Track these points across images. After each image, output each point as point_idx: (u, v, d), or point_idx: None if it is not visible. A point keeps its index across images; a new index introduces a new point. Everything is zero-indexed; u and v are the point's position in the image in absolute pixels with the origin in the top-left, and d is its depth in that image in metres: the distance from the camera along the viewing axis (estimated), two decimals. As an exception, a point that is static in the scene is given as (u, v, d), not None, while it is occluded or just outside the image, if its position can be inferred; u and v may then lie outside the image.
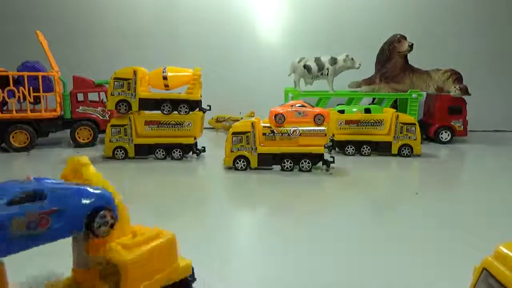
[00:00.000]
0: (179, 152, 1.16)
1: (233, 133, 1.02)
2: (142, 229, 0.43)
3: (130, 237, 0.42)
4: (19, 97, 1.29)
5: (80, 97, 1.40)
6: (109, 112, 1.41)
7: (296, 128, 1.00)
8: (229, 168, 1.03)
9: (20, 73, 1.30)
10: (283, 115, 1.01)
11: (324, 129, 1.00)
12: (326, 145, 1.04)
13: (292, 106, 1.04)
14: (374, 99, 1.64)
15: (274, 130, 1.01)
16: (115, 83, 1.12)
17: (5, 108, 1.35)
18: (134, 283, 0.39)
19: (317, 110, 1.04)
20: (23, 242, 0.34)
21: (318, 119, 1.02)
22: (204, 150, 1.19)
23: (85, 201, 0.37)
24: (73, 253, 0.41)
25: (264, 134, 1.02)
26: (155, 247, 0.42)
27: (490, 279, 0.28)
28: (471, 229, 0.65)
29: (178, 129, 1.16)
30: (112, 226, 0.38)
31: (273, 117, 1.01)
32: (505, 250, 0.27)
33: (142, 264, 0.40)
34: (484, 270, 0.28)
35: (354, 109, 1.27)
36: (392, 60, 1.53)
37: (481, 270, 0.29)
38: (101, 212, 0.37)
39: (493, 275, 0.27)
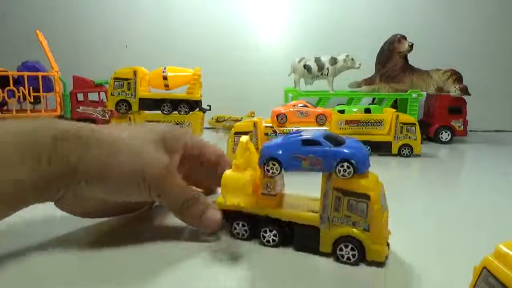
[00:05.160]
0: (179, 152, 1.16)
1: (235, 133, 1.02)
2: None
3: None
4: (19, 97, 1.29)
5: (80, 97, 1.41)
6: (109, 112, 1.41)
7: (298, 128, 1.00)
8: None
9: (20, 73, 1.30)
10: (285, 115, 1.01)
11: (326, 129, 1.00)
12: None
13: (294, 106, 1.04)
14: (374, 99, 1.64)
15: (276, 130, 1.01)
16: (115, 83, 1.12)
17: (5, 108, 1.35)
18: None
19: (319, 110, 1.04)
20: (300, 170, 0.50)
21: (320, 119, 1.02)
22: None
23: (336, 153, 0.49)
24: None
25: (266, 134, 1.02)
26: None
27: (490, 278, 0.28)
28: (471, 229, 0.65)
29: (178, 129, 1.16)
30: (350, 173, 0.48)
31: (275, 117, 1.02)
32: (505, 249, 0.27)
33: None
34: (484, 269, 0.28)
35: (354, 109, 1.27)
36: (392, 60, 1.53)
37: (481, 269, 0.29)
38: (345, 163, 0.48)
39: (493, 274, 0.27)
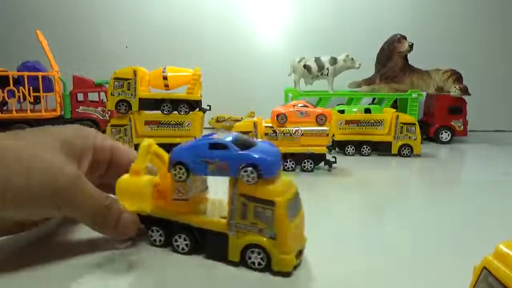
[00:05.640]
0: (179, 152, 1.16)
1: (235, 133, 1.02)
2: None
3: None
4: (19, 97, 1.29)
5: (80, 97, 1.40)
6: (109, 112, 1.41)
7: (298, 128, 1.00)
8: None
9: (20, 73, 1.30)
10: (285, 115, 1.01)
11: (326, 129, 1.00)
12: (326, 145, 1.05)
13: (294, 106, 1.04)
14: (374, 99, 1.64)
15: (276, 130, 1.01)
16: (115, 83, 1.12)
17: (5, 108, 1.35)
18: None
19: (319, 110, 1.04)
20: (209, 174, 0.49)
21: (320, 119, 1.02)
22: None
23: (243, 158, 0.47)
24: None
25: (266, 134, 1.02)
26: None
27: (490, 278, 0.28)
28: (471, 229, 0.65)
29: (178, 129, 1.17)
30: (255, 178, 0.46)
31: (275, 117, 1.01)
32: (505, 249, 0.27)
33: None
34: (484, 269, 0.28)
35: (354, 109, 1.27)
36: (392, 60, 1.53)
37: (481, 269, 0.29)
38: (249, 167, 0.46)
39: (493, 274, 0.27)
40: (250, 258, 0.47)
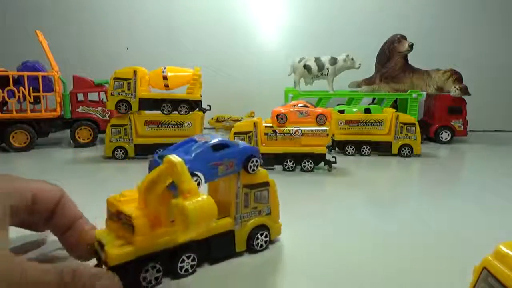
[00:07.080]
0: (179, 152, 1.16)
1: (235, 133, 1.02)
2: None
3: None
4: (19, 97, 1.29)
5: (80, 97, 1.40)
6: (109, 112, 1.41)
7: (298, 128, 1.00)
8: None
9: (20, 73, 1.30)
10: (285, 115, 1.01)
11: (326, 129, 1.00)
12: (326, 145, 1.05)
13: (294, 106, 1.04)
14: (374, 99, 1.64)
15: (276, 130, 1.01)
16: (115, 83, 1.12)
17: (5, 108, 1.35)
18: None
19: (319, 110, 1.04)
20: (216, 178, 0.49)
21: (320, 119, 1.02)
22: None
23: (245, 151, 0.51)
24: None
25: (266, 134, 1.02)
26: None
27: (490, 278, 0.28)
28: (471, 228, 0.65)
29: (178, 129, 1.17)
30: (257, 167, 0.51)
31: (275, 117, 1.02)
32: (505, 249, 0.27)
33: None
34: (484, 270, 0.28)
35: (354, 109, 1.27)
36: (392, 60, 1.53)
37: (481, 269, 0.29)
38: (254, 158, 0.51)
39: (493, 275, 0.27)
40: (257, 241, 0.52)
